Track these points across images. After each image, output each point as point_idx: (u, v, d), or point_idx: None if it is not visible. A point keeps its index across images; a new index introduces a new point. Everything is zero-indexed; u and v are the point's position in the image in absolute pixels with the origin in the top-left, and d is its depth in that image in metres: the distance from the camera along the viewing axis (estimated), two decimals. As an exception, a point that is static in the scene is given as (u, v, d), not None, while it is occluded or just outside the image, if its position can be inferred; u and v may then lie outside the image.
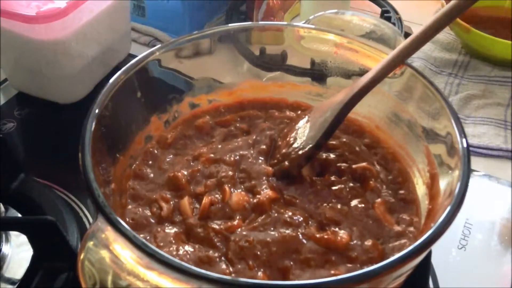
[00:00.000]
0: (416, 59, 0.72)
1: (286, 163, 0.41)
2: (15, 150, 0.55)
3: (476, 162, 0.58)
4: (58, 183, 0.52)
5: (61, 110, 0.63)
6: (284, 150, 0.42)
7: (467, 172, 0.33)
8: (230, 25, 0.49)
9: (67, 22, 0.56)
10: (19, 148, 0.59)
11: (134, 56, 0.43)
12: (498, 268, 0.47)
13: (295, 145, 0.42)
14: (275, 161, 0.42)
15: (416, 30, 0.38)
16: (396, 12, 0.75)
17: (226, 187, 0.39)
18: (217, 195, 0.39)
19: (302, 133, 0.43)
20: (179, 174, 0.41)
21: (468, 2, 0.36)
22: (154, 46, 0.45)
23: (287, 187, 0.40)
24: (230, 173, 0.41)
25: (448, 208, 0.31)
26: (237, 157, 0.42)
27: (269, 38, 0.51)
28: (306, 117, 0.44)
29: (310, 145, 0.41)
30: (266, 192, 0.39)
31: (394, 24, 0.73)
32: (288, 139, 0.43)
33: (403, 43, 0.39)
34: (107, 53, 0.65)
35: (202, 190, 0.40)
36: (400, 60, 0.39)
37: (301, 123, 0.44)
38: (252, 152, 0.43)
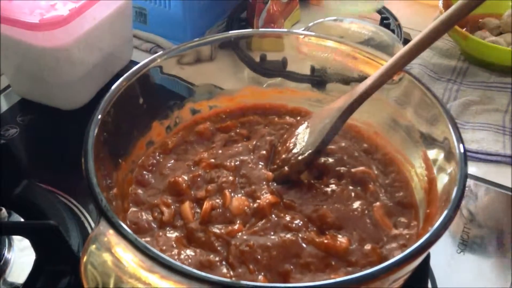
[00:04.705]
0: (415, 66, 0.72)
1: (286, 168, 0.42)
2: (18, 155, 0.55)
3: (475, 168, 0.59)
4: (60, 188, 0.53)
5: (63, 116, 0.63)
6: (284, 156, 0.43)
7: (463, 177, 0.33)
8: (230, 32, 0.50)
9: (70, 30, 0.57)
10: (22, 154, 0.59)
11: (135, 63, 0.44)
12: (496, 272, 0.48)
13: (294, 151, 0.42)
14: (275, 166, 0.43)
15: (415, 37, 0.39)
16: (395, 19, 0.76)
17: (227, 192, 0.40)
18: (217, 200, 0.40)
19: (302, 138, 0.43)
20: (180, 179, 0.41)
21: (465, 11, 0.37)
22: (156, 52, 0.46)
23: (286, 191, 0.41)
24: (231, 178, 0.41)
25: (445, 213, 0.31)
26: (238, 162, 0.43)
27: (269, 45, 0.51)
28: (306, 123, 0.45)
29: (310, 151, 0.41)
30: (266, 197, 0.39)
31: (393, 30, 0.73)
32: (288, 144, 0.44)
33: (401, 50, 0.40)
34: (109, 59, 0.66)
35: (203, 195, 0.40)
36: (399, 67, 0.40)
37: (301, 129, 0.44)
38: (252, 157, 0.44)
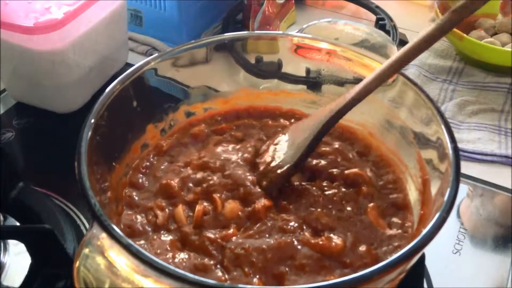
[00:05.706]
0: (411, 66, 0.72)
1: (264, 182, 0.41)
2: (14, 159, 0.55)
3: (471, 168, 0.59)
4: (56, 192, 0.53)
5: (59, 119, 0.63)
6: (262, 168, 0.42)
7: (456, 177, 0.33)
8: (226, 34, 0.50)
9: (65, 33, 0.57)
10: (17, 157, 0.59)
11: (131, 66, 0.44)
12: (492, 272, 0.48)
13: (273, 164, 0.42)
14: (259, 175, 0.42)
15: (411, 38, 0.38)
16: (391, 20, 0.76)
17: (216, 197, 0.40)
18: (208, 205, 0.39)
19: (282, 151, 0.42)
20: (172, 182, 0.41)
21: (462, 17, 0.37)
22: (152, 55, 0.45)
23: (281, 194, 0.41)
24: (216, 178, 0.41)
25: (438, 214, 0.31)
26: (223, 163, 0.42)
27: (264, 47, 0.51)
28: (286, 135, 0.44)
29: (289, 165, 0.41)
30: (261, 201, 0.39)
31: (388, 31, 0.73)
32: (265, 158, 0.43)
33: (395, 54, 0.39)
34: (105, 62, 0.66)
35: (193, 198, 0.40)
36: (393, 71, 0.39)
37: (280, 140, 0.44)
38: (238, 159, 0.43)
